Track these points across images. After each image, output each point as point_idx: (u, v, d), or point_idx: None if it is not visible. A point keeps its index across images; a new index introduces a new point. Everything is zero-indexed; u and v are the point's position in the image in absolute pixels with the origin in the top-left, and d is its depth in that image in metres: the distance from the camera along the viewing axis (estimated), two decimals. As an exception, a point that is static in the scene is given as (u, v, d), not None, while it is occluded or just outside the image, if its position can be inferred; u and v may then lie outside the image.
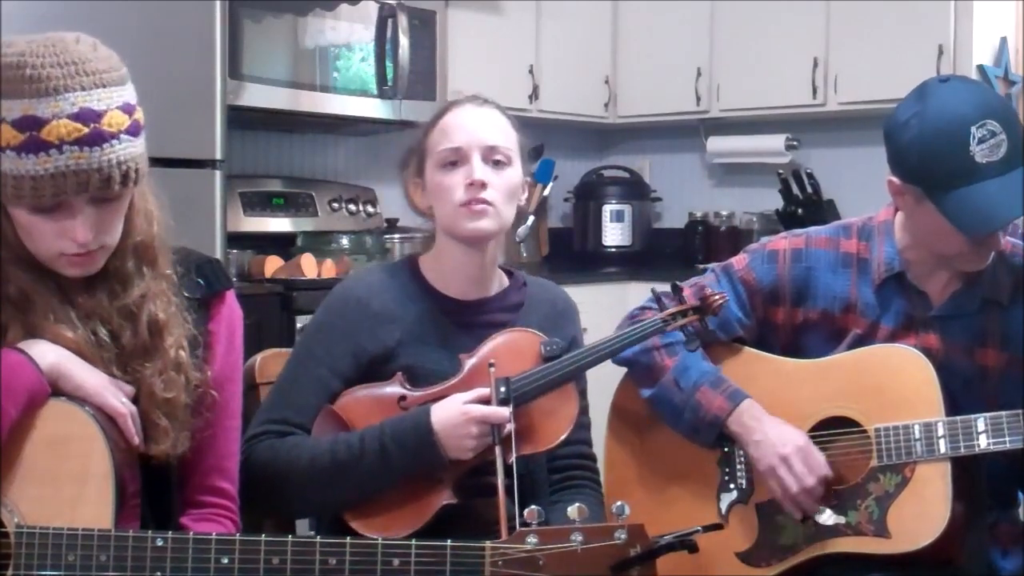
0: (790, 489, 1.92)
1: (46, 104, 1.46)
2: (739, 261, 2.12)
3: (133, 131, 1.53)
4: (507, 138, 1.94)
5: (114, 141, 1.49)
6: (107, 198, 1.53)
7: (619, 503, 1.48)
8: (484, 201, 1.88)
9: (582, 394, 1.93)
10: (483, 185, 1.88)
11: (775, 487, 1.94)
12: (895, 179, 1.92)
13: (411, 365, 1.89)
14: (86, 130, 1.47)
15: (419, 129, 2.01)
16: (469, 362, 1.86)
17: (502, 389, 1.78)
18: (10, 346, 1.51)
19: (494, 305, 1.98)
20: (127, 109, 1.53)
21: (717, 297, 1.88)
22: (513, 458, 1.72)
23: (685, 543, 1.47)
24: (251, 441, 1.84)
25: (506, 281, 2.02)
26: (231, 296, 1.77)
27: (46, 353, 1.51)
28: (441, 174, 1.92)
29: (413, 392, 1.86)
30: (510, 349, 1.86)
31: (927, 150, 1.84)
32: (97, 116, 1.48)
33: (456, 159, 1.91)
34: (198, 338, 1.67)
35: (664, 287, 1.96)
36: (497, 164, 1.91)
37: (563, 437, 1.83)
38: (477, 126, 1.92)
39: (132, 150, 1.52)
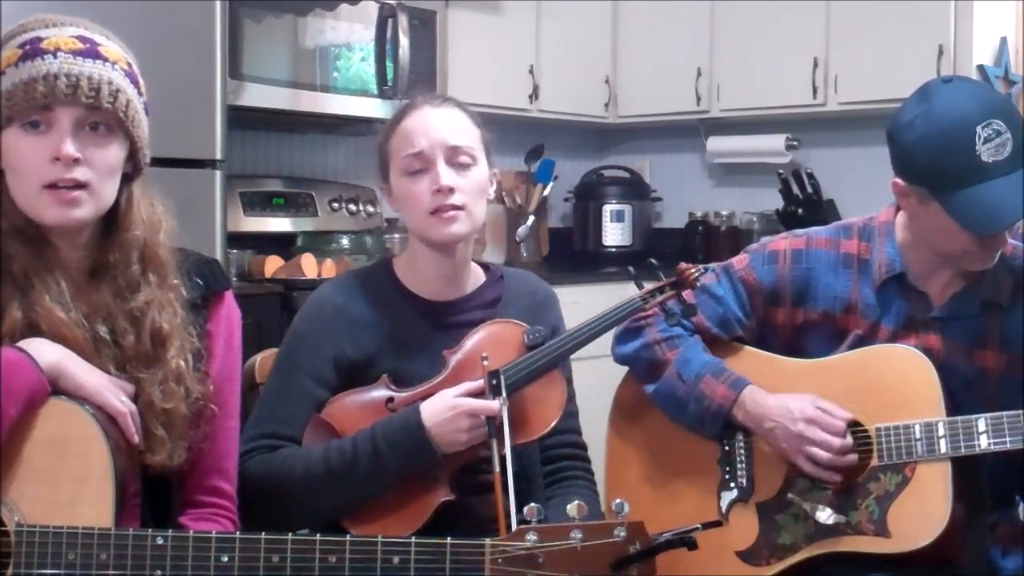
0: (823, 459, 1.91)
1: (51, 31, 1.56)
2: (739, 261, 2.12)
3: (132, 79, 1.59)
4: (469, 137, 1.91)
5: (109, 65, 1.56)
6: (95, 121, 1.55)
7: (618, 501, 1.48)
8: (454, 207, 1.86)
9: (568, 382, 1.92)
10: (451, 190, 1.86)
11: (809, 467, 1.94)
12: (899, 180, 1.92)
13: (392, 369, 1.88)
14: (83, 46, 1.55)
15: (379, 133, 1.97)
16: (454, 358, 1.86)
17: (493, 381, 1.78)
18: (10, 341, 1.51)
19: (471, 303, 1.97)
20: (128, 60, 1.60)
21: (693, 270, 1.87)
22: (508, 448, 1.72)
23: (684, 541, 1.47)
24: (243, 457, 1.82)
25: (482, 277, 2.01)
26: (229, 296, 1.77)
27: (46, 352, 1.51)
28: (407, 181, 1.89)
29: (400, 393, 1.85)
30: (494, 341, 1.86)
31: (933, 150, 1.84)
32: (96, 44, 1.57)
33: (420, 165, 1.88)
34: (201, 351, 1.68)
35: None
36: (462, 165, 1.89)
37: (553, 424, 1.83)
38: (438, 128, 1.89)
39: (127, 87, 1.57)
